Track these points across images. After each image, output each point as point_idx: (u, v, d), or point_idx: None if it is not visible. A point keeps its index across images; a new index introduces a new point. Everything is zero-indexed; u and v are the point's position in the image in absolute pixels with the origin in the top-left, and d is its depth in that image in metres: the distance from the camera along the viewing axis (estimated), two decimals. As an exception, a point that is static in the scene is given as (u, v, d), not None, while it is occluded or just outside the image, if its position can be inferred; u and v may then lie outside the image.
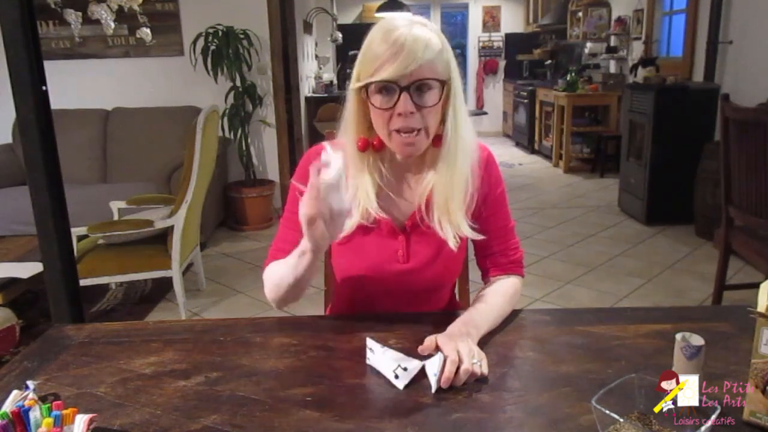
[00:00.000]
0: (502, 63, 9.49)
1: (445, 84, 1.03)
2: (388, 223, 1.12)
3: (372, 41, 1.02)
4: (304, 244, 0.98)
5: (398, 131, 1.02)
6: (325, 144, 1.16)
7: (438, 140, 1.09)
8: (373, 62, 1.00)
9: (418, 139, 1.03)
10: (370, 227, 1.12)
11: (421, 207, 1.11)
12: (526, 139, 7.85)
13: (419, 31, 1.00)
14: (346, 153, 1.10)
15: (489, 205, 1.16)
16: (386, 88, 1.00)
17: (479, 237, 1.11)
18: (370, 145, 1.10)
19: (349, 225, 1.10)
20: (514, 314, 1.14)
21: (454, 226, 1.08)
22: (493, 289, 1.15)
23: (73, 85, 4.35)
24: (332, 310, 1.33)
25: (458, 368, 0.88)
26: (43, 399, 0.77)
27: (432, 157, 1.11)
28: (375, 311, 1.19)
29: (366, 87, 1.02)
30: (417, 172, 1.14)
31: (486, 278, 1.22)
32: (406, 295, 1.17)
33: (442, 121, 1.08)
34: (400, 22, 1.02)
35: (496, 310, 1.09)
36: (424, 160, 1.13)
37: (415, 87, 1.00)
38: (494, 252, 1.19)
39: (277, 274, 1.08)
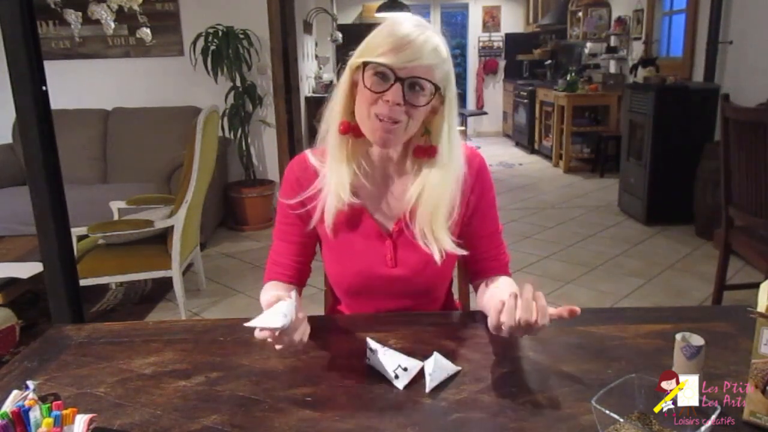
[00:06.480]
0: (502, 63, 9.49)
1: (437, 91, 1.03)
2: (374, 227, 1.13)
3: (380, 31, 1.02)
4: None
5: (379, 118, 1.02)
6: (307, 152, 1.17)
7: (419, 152, 1.10)
8: (377, 47, 1.00)
9: (396, 130, 1.02)
10: (352, 221, 1.12)
11: (405, 216, 1.11)
12: (526, 139, 7.85)
13: (430, 35, 1.00)
14: (329, 141, 1.10)
15: (480, 211, 1.16)
16: (383, 73, 1.00)
17: (462, 252, 1.11)
18: (351, 130, 1.09)
19: (331, 214, 1.09)
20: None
21: (438, 243, 1.08)
22: (504, 282, 1.16)
23: (73, 85, 4.36)
24: (330, 310, 1.34)
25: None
26: (43, 399, 0.77)
27: (415, 167, 1.11)
28: (371, 312, 1.19)
29: (364, 66, 1.01)
30: (400, 177, 1.14)
31: (476, 281, 1.22)
32: (398, 297, 1.17)
33: (428, 131, 1.09)
34: (412, 22, 1.02)
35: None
36: (405, 167, 1.13)
37: (409, 82, 1.00)
38: (485, 257, 1.19)
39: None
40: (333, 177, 1.09)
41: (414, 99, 1.01)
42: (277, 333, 0.84)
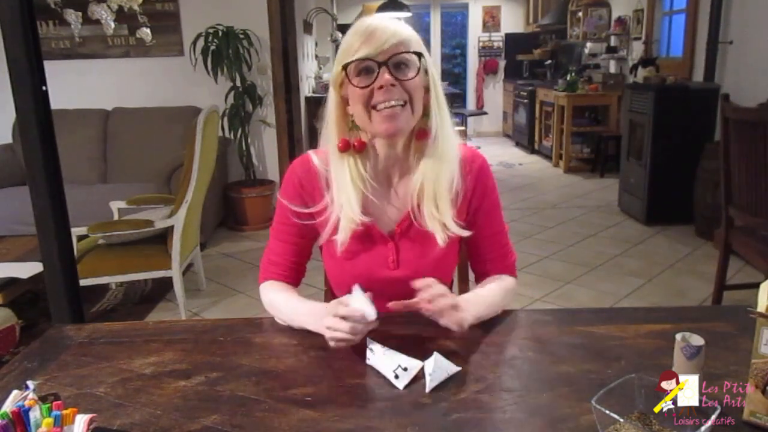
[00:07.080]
0: (502, 63, 9.48)
1: (421, 57, 1.05)
2: (376, 230, 1.13)
3: (346, 37, 1.07)
4: (313, 326, 1.05)
5: (378, 108, 1.03)
6: (310, 153, 1.17)
7: (422, 134, 1.10)
8: (349, 50, 1.04)
9: (402, 112, 1.04)
10: (359, 235, 1.12)
11: (413, 206, 1.11)
12: (526, 139, 7.85)
13: (390, 21, 1.05)
14: (329, 156, 1.12)
15: (483, 212, 1.17)
16: (366, 68, 1.03)
17: (465, 233, 1.13)
18: (351, 146, 1.10)
19: (346, 236, 1.10)
20: (514, 314, 1.15)
21: (441, 222, 1.09)
22: (492, 280, 1.18)
23: (73, 85, 4.36)
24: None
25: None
26: (43, 399, 0.77)
27: (417, 154, 1.12)
28: None
29: (346, 72, 1.04)
30: (403, 174, 1.15)
31: (481, 282, 1.22)
32: (399, 298, 1.16)
33: (426, 113, 1.10)
34: (372, 17, 1.08)
35: (491, 296, 1.13)
36: (408, 159, 1.13)
37: (393, 62, 1.03)
38: (490, 257, 1.20)
39: (278, 310, 1.13)
40: (343, 200, 1.09)
41: (403, 75, 1.04)
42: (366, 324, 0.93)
